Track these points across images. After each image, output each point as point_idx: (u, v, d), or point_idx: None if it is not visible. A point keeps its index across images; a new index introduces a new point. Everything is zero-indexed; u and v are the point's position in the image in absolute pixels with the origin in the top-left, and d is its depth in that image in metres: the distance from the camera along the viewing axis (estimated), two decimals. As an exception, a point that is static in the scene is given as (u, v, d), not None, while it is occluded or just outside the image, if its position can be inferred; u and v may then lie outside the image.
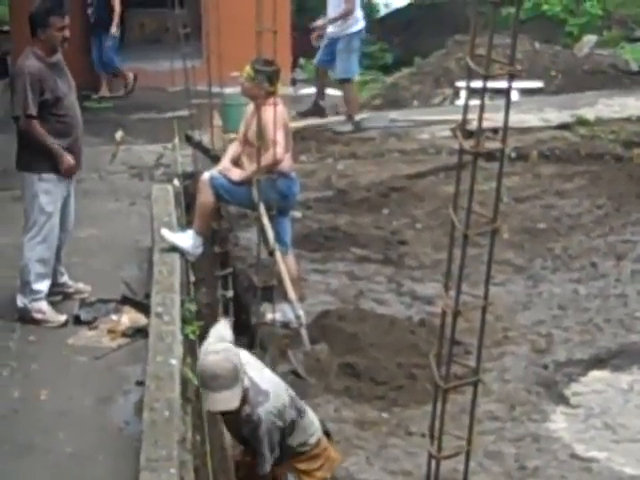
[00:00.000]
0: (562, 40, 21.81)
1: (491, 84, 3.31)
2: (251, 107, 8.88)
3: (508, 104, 3.41)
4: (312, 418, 6.36)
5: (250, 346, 7.79)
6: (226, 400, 5.76)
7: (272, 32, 7.20)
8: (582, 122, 15.20)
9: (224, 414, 6.17)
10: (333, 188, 12.80)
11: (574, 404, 8.43)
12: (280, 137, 8.82)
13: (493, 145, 3.52)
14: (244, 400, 5.89)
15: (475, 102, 3.46)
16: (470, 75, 3.43)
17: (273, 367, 7.90)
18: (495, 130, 3.74)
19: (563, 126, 15.14)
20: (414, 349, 8.81)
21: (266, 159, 8.32)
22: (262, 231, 8.50)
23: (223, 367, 5.71)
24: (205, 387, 5.83)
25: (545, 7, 23.53)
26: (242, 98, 12.75)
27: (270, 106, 8.60)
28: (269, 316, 8.83)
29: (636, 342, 9.29)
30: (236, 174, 9.11)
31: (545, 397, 8.51)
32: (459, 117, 3.66)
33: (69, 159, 8.29)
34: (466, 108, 3.57)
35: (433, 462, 3.65)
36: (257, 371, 6.09)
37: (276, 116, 8.67)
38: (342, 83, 15.13)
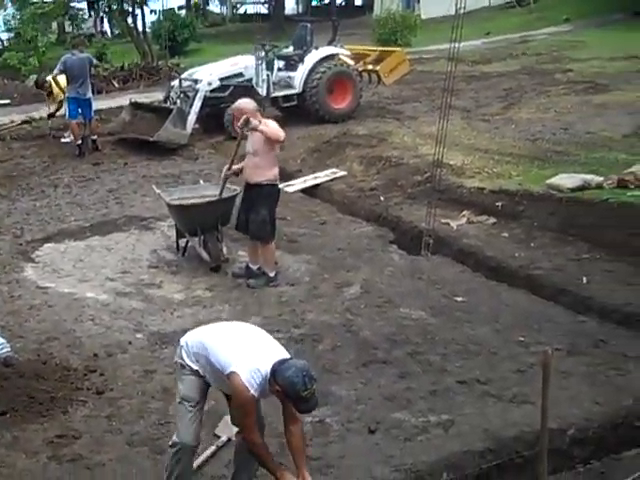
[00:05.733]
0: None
1: None
2: None
3: None
4: None
5: None
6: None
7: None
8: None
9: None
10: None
11: (37, 262, 8.23)
12: None
13: None
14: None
15: None
16: None
17: None
18: None
19: (25, 122, 14.61)
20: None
21: None
22: None
23: None
24: None
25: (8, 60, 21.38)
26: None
27: None
28: None
29: (65, 227, 9.23)
30: None
31: (22, 260, 8.25)
32: None
33: None
34: None
35: None
36: None
37: None
38: None
